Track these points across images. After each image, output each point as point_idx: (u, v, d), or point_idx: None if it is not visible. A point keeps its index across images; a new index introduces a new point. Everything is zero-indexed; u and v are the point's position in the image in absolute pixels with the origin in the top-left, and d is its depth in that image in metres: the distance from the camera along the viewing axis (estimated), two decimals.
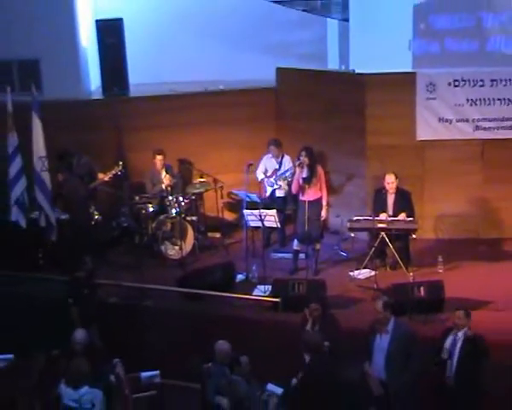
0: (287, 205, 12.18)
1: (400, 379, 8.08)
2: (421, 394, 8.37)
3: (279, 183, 12.08)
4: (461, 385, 8.06)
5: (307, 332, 8.47)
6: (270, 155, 12.18)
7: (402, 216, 10.91)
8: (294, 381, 8.10)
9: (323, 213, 11.27)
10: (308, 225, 10.92)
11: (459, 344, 8.09)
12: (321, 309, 8.51)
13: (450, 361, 8.09)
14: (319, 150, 11.85)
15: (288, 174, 11.97)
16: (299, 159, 11.10)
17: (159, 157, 12.28)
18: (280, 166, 12.12)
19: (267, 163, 12.21)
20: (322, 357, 8.15)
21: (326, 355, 8.26)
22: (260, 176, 12.20)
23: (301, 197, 11.10)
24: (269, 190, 12.19)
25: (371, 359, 8.27)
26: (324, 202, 11.25)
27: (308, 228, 10.94)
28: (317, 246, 11.30)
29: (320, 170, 11.26)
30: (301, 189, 11.10)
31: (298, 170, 11.10)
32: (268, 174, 12.14)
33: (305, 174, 11.09)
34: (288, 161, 12.07)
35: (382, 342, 8.22)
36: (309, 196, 11.06)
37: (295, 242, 11.37)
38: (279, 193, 12.15)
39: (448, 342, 8.18)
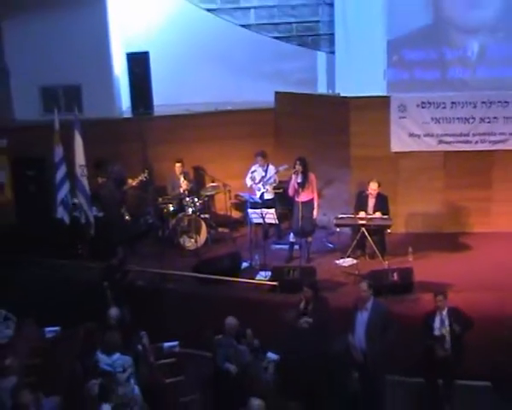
0: (275, 206, 12.01)
1: (377, 348, 8.09)
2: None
3: (266, 187, 11.94)
4: (457, 352, 8.14)
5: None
6: (258, 165, 11.98)
7: (377, 215, 10.88)
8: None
9: (315, 212, 11.17)
10: (302, 221, 10.88)
11: (447, 321, 8.18)
12: (311, 292, 8.50)
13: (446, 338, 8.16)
14: (311, 161, 11.77)
15: (271, 180, 11.89)
16: (294, 167, 11.03)
17: (178, 165, 12.24)
18: (266, 174, 11.96)
19: (256, 172, 11.97)
20: (299, 332, 8.25)
21: (305, 330, 8.32)
22: (249, 183, 11.98)
23: (296, 199, 11.00)
24: (258, 193, 11.94)
25: (354, 331, 8.27)
26: (316, 204, 11.15)
27: (302, 224, 10.90)
28: (309, 239, 11.25)
29: (312, 176, 11.14)
30: (296, 192, 11.04)
31: (293, 176, 11.02)
32: (256, 181, 11.95)
33: (299, 180, 11.00)
34: (272, 170, 11.93)
35: (363, 317, 8.23)
36: (302, 197, 10.96)
37: (291, 235, 11.31)
38: (267, 196, 11.93)
39: (437, 323, 8.24)
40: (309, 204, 11.04)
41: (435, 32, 11.73)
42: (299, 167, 10.95)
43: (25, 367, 8.26)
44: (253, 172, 11.91)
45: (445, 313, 8.25)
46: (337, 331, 8.43)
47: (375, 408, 8.23)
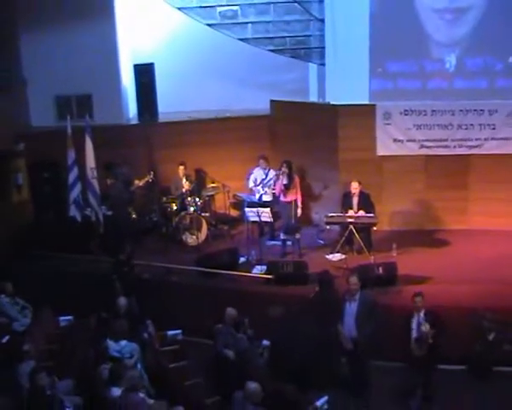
0: (272, 206, 11.99)
1: (364, 332, 8.13)
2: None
3: (265, 189, 11.94)
4: (433, 351, 8.08)
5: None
6: (259, 168, 12.02)
7: (361, 212, 10.89)
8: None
9: (299, 211, 11.22)
10: (288, 220, 10.92)
11: (424, 323, 8.04)
12: (318, 284, 8.75)
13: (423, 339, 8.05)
14: (303, 164, 11.81)
15: (270, 182, 11.87)
16: (280, 169, 11.09)
17: (181, 167, 12.26)
18: (266, 177, 11.97)
19: (257, 175, 12.05)
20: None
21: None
22: (251, 184, 12.03)
23: (284, 199, 11.10)
24: (257, 195, 11.98)
25: (343, 321, 8.28)
26: (299, 203, 11.19)
27: (288, 222, 10.97)
28: (297, 235, 11.21)
29: (296, 179, 11.19)
30: (282, 192, 11.09)
31: (281, 177, 11.08)
32: (257, 183, 11.98)
33: (284, 181, 11.07)
34: (272, 173, 11.92)
35: (352, 308, 8.25)
36: (288, 198, 11.06)
37: (282, 232, 11.35)
38: (265, 197, 11.94)
39: (414, 324, 8.13)
40: (294, 204, 11.10)
41: (417, 47, 11.77)
42: (285, 170, 11.04)
43: (41, 352, 8.31)
44: (252, 174, 11.93)
45: (422, 314, 8.12)
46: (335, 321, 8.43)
47: (362, 390, 8.27)
